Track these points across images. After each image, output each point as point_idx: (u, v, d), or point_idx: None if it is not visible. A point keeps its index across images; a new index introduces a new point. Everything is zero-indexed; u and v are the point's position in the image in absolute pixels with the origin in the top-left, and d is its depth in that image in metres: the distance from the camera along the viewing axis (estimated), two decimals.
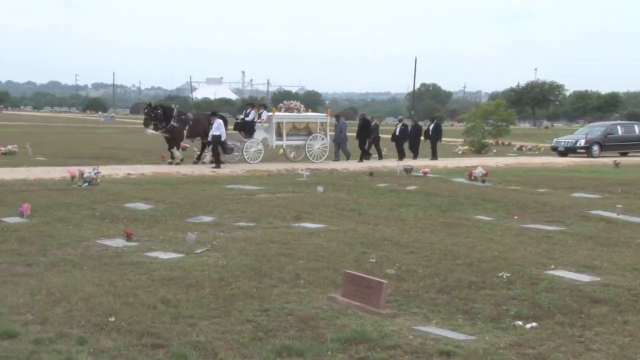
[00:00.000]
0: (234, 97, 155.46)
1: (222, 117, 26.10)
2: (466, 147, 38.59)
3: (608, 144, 35.89)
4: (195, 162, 25.75)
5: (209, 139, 24.65)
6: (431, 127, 31.85)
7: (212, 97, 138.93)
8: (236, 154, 26.50)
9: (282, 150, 29.19)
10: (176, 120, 25.08)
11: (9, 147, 28.52)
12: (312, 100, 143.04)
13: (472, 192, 17.96)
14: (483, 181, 20.38)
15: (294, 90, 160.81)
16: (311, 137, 28.00)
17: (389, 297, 7.56)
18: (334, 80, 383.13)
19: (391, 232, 11.93)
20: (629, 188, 19.49)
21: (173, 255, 9.81)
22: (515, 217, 14.12)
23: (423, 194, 17.35)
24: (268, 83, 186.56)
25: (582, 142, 35.62)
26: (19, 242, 10.58)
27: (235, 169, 24.32)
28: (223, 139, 24.32)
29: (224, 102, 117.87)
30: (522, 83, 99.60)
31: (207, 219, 13.10)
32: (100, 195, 15.92)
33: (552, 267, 9.41)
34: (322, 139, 28.33)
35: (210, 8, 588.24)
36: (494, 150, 38.69)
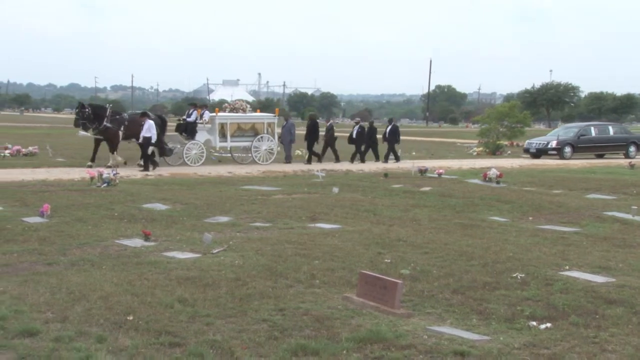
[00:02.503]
0: (250, 98, 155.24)
1: (160, 118, 25.22)
2: (481, 149, 38.50)
3: (581, 146, 34.48)
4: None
5: (140, 140, 23.16)
6: (388, 130, 30.62)
7: (229, 99, 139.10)
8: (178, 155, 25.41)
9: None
10: (109, 120, 23.55)
11: (30, 148, 28.77)
12: (328, 102, 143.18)
13: (486, 193, 17.90)
14: (497, 182, 20.37)
15: (310, 92, 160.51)
16: (257, 138, 26.65)
17: (404, 297, 7.58)
18: (349, 82, 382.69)
19: (406, 232, 11.93)
20: None
21: (190, 255, 9.86)
22: (530, 218, 14.08)
23: (438, 195, 17.31)
24: (284, 85, 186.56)
25: (553, 144, 34.27)
26: (40, 242, 10.66)
27: (251, 170, 24.26)
28: (153, 140, 22.97)
29: None
30: (537, 84, 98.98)
31: (223, 219, 13.13)
32: (119, 195, 15.99)
33: (567, 268, 9.39)
34: (270, 140, 27.03)
35: (226, 11, 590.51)
36: (509, 152, 38.46)
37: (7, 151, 27.75)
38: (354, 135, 29.50)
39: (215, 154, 26.22)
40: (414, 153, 34.14)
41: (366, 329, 6.64)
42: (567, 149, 33.71)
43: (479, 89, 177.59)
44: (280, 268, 9.01)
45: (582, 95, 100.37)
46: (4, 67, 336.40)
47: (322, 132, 29.99)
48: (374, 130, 30.19)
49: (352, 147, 29.82)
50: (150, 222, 12.44)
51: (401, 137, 32.18)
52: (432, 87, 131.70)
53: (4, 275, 8.65)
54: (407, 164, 26.46)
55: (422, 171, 22.71)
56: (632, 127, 62.56)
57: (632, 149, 34.93)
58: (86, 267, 9.08)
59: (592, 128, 36.19)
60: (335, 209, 14.45)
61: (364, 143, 29.42)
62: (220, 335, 6.46)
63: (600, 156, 34.67)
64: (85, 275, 8.61)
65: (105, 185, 17.62)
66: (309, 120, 30.11)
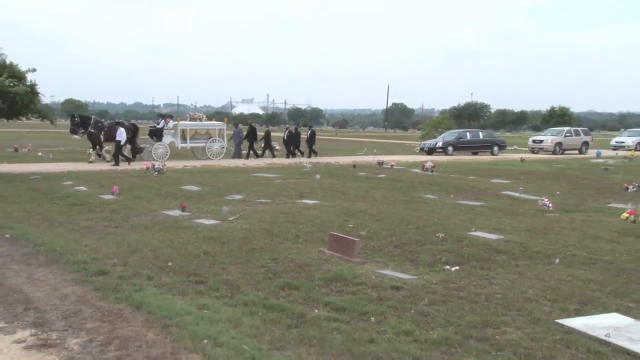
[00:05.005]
0: (261, 112, 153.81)
1: (134, 125, 24.08)
2: None
3: (460, 146, 32.76)
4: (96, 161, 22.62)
5: (114, 142, 21.79)
6: (308, 134, 28.87)
7: (246, 112, 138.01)
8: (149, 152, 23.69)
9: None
10: (93, 127, 22.30)
11: (107, 147, 28.53)
12: (316, 115, 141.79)
13: (423, 179, 17.89)
14: (432, 171, 20.36)
15: (303, 107, 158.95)
16: (210, 140, 25.16)
17: (360, 250, 7.61)
18: (331, 99, 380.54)
19: (365, 206, 11.89)
20: (529, 176, 19.48)
21: (213, 221, 9.87)
22: (452, 196, 14.07)
23: (389, 180, 17.27)
24: (285, 102, 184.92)
25: (440, 144, 32.65)
26: (110, 212, 10.73)
27: (259, 162, 24.11)
28: (122, 143, 21.56)
29: (255, 116, 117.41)
30: (462, 103, 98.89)
31: (237, 197, 13.10)
32: (166, 180, 15.99)
33: (473, 229, 9.42)
34: (220, 142, 25.42)
35: (245, 48, 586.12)
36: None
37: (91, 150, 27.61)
38: (285, 138, 28.42)
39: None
40: (375, 150, 33.95)
41: (333, 272, 6.70)
42: (450, 148, 32.46)
43: (422, 105, 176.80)
44: (275, 230, 9.03)
45: (492, 111, 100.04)
46: (90, 90, 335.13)
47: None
48: (299, 134, 29.05)
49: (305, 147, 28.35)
50: (187, 199, 12.42)
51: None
52: (390, 104, 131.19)
53: (86, 234, 8.73)
54: (370, 158, 26.29)
55: (380, 163, 22.67)
56: (526, 134, 62.57)
57: (496, 148, 33.77)
58: (141, 229, 9.15)
59: (468, 133, 34.84)
60: (317, 190, 14.41)
61: (292, 144, 28.25)
62: (231, 276, 6.53)
63: (475, 153, 33.37)
64: (140, 234, 8.69)
65: (156, 173, 17.62)
66: (249, 126, 28.16)
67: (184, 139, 24.79)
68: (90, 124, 22.51)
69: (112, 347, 4.57)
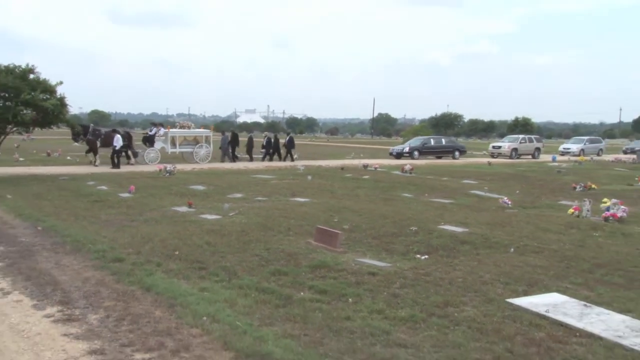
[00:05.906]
0: (262, 121, 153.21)
1: (127, 133, 23.73)
2: None
3: (424, 151, 32.02)
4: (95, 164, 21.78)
5: (111, 147, 21.39)
6: (287, 140, 28.29)
7: (249, 121, 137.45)
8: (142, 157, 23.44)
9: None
10: (91, 134, 21.81)
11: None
12: (311, 123, 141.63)
13: (403, 180, 17.87)
14: (410, 173, 20.31)
15: (299, 117, 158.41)
16: (197, 146, 24.65)
17: (343, 242, 7.64)
18: (325, 109, 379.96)
19: (350, 203, 11.86)
20: (494, 177, 19.53)
21: (215, 216, 9.89)
22: (426, 195, 14.04)
23: (372, 181, 17.25)
24: (284, 112, 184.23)
25: (406, 149, 31.76)
26: (127, 208, 10.75)
27: (258, 165, 23.99)
28: (117, 148, 21.19)
29: (257, 125, 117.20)
30: (439, 113, 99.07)
31: (238, 195, 13.08)
32: (175, 181, 15.98)
33: (442, 223, 9.45)
34: (207, 147, 24.86)
35: (246, 63, 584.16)
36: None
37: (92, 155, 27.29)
38: (264, 144, 28.22)
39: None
40: (361, 155, 33.87)
41: (318, 260, 6.75)
42: (416, 153, 31.77)
43: (405, 115, 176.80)
44: (269, 224, 9.05)
45: (465, 120, 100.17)
46: (113, 102, 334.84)
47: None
48: (277, 140, 28.63)
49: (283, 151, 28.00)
50: (193, 197, 12.40)
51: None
52: (376, 114, 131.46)
53: (105, 227, 8.79)
54: (356, 162, 26.10)
55: (365, 166, 22.59)
56: (493, 140, 62.84)
57: (457, 153, 33.20)
58: (153, 223, 9.19)
59: (432, 139, 34.12)
60: (308, 189, 14.40)
61: (272, 149, 27.91)
62: (229, 263, 6.60)
63: (439, 157, 32.63)
64: (152, 227, 8.74)
65: (168, 174, 17.64)
66: (231, 133, 27.24)
67: (173, 144, 24.50)
68: (89, 131, 22.21)
69: (125, 322, 4.70)
